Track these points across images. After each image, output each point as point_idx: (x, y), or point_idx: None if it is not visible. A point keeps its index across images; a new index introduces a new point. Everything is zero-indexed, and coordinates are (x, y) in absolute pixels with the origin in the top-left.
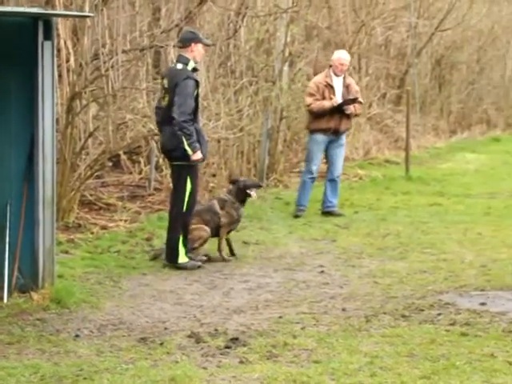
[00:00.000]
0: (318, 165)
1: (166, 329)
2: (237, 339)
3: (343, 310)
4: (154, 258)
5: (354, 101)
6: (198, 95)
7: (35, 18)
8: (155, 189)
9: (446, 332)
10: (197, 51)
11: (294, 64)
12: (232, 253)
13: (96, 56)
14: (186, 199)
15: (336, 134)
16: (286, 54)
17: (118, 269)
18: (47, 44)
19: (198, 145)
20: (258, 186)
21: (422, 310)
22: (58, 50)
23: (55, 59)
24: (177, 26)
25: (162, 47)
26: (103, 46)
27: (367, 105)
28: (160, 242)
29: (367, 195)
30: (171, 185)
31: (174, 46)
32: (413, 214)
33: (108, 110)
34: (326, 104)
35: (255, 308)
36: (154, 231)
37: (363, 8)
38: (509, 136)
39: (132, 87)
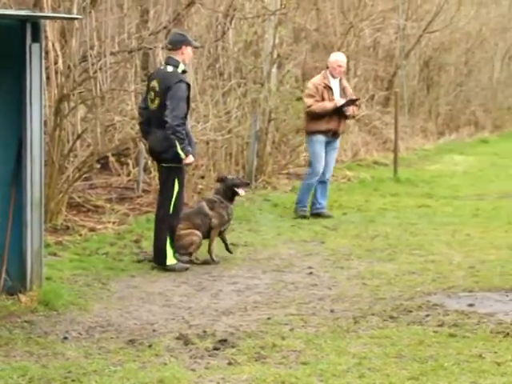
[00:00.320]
0: (323, 165)
1: (154, 331)
2: (225, 341)
3: (332, 311)
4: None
5: (355, 102)
6: (189, 98)
7: (23, 20)
8: (144, 191)
9: (434, 333)
10: (186, 54)
11: (283, 66)
12: (229, 251)
13: (84, 58)
14: (173, 201)
15: (334, 135)
16: (275, 55)
17: (106, 271)
18: (35, 46)
19: (190, 148)
20: (246, 185)
21: (411, 312)
22: (46, 52)
23: (43, 61)
24: (165, 28)
25: (150, 49)
26: (91, 48)
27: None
28: (148, 243)
29: (356, 197)
30: (159, 187)
31: (162, 48)
32: (401, 216)
33: (96, 112)
34: (328, 105)
35: (244, 309)
36: (142, 233)
37: (351, 10)
38: (497, 138)
39: (120, 89)
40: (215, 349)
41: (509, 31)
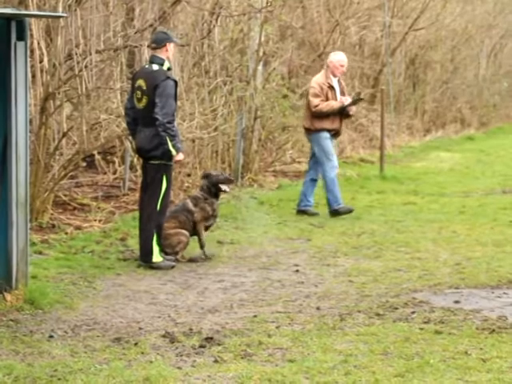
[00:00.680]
0: (336, 157)
1: (140, 329)
2: (211, 338)
3: (318, 308)
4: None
5: (360, 101)
6: (176, 95)
7: (8, 18)
8: (130, 189)
9: (420, 330)
10: (170, 51)
11: (269, 64)
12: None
13: (69, 56)
14: (161, 198)
15: (335, 135)
16: (261, 53)
17: (92, 269)
18: (20, 44)
19: (180, 145)
20: (230, 181)
21: (397, 309)
22: (32, 51)
23: (28, 60)
24: (151, 26)
25: (136, 47)
26: (77, 46)
27: None
28: (134, 241)
29: (342, 194)
30: (142, 185)
31: (148, 46)
32: (387, 213)
33: (82, 110)
34: (335, 105)
35: (230, 307)
36: (128, 231)
37: (337, 8)
38: (483, 135)
39: (106, 87)
40: (201, 347)
41: (494, 28)
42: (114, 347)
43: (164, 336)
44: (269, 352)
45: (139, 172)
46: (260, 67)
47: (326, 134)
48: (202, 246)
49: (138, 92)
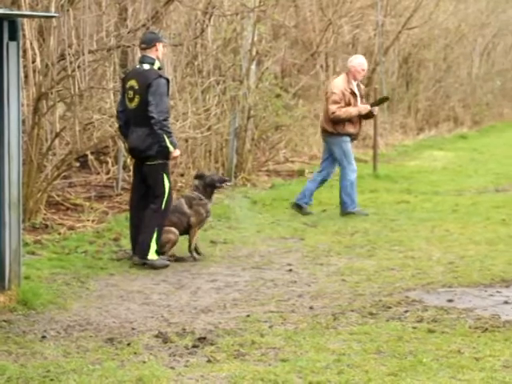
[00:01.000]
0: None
1: (133, 329)
2: (204, 338)
3: (311, 308)
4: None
5: (386, 100)
6: (168, 93)
7: (0, 18)
8: (123, 189)
9: (413, 329)
10: (160, 51)
11: (262, 63)
12: (190, 252)
13: (62, 56)
14: (166, 197)
15: (354, 139)
16: (254, 53)
17: (85, 269)
18: (12, 45)
19: (176, 142)
20: (225, 181)
21: (390, 308)
22: (24, 51)
23: (21, 60)
24: (143, 25)
25: (128, 47)
26: (69, 46)
27: None
28: (128, 241)
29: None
30: (133, 185)
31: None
32: (380, 212)
33: (75, 110)
34: (353, 112)
35: (223, 307)
36: (121, 231)
37: (330, 7)
38: (476, 133)
39: (99, 87)
40: (194, 346)
41: (487, 27)
42: (107, 347)
43: (157, 336)
44: (262, 351)
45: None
46: (253, 66)
47: (347, 138)
48: (190, 250)
49: (130, 92)
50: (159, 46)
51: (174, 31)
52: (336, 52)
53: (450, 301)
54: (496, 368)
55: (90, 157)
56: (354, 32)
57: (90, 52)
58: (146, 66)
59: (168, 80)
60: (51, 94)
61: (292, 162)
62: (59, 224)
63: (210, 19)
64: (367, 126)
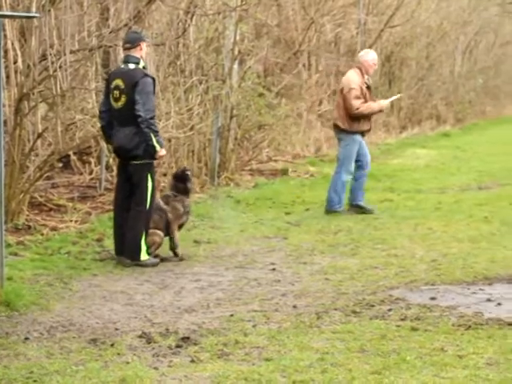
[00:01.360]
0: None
1: (116, 329)
2: (188, 338)
3: (294, 307)
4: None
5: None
6: (154, 92)
7: None
8: (106, 189)
9: (397, 327)
10: (144, 50)
11: (244, 62)
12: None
13: (44, 57)
14: (149, 196)
15: (366, 134)
16: (236, 52)
17: (68, 270)
18: None
19: (163, 141)
20: (185, 170)
21: (373, 306)
22: (5, 52)
23: (2, 60)
24: (126, 25)
25: (110, 47)
26: (51, 46)
27: (317, 102)
28: (111, 242)
29: (319, 192)
30: (117, 184)
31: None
32: None
33: (57, 110)
34: (376, 107)
35: (206, 307)
36: (104, 232)
37: (312, 5)
38: (458, 131)
39: (81, 87)
40: (178, 346)
41: (469, 25)
42: (90, 348)
43: (140, 336)
44: (245, 351)
45: (115, 172)
46: (235, 66)
47: (359, 137)
48: (174, 247)
49: (116, 92)
50: (143, 45)
51: (156, 31)
52: (318, 51)
53: (433, 299)
54: (479, 365)
55: (73, 157)
56: (337, 30)
57: (71, 52)
58: (132, 66)
59: (154, 79)
60: (33, 94)
61: (275, 161)
62: (42, 225)
63: (192, 19)
64: None
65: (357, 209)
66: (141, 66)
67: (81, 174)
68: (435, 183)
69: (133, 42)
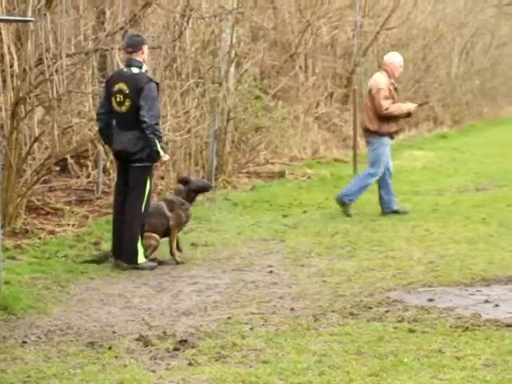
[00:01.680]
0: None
1: (114, 333)
2: (185, 341)
3: (292, 309)
4: (99, 260)
5: (426, 103)
6: (158, 98)
7: None
8: (103, 192)
9: (394, 329)
10: (145, 53)
11: (241, 65)
12: (180, 250)
13: (40, 60)
14: (145, 200)
15: (395, 136)
16: (232, 55)
17: (65, 274)
18: None
19: (165, 146)
20: (210, 188)
21: (370, 308)
22: (2, 56)
23: None
24: (121, 28)
25: (107, 50)
26: (47, 50)
27: (314, 104)
28: (108, 246)
29: (316, 194)
30: (117, 188)
31: (119, 49)
32: (361, 213)
33: (53, 114)
34: (405, 109)
35: (204, 309)
36: (101, 235)
37: (308, 8)
38: (455, 133)
39: (78, 91)
40: (175, 349)
41: (465, 26)
42: (88, 351)
43: (138, 339)
44: (243, 354)
45: (112, 175)
46: (232, 69)
47: (388, 140)
48: (172, 253)
49: (119, 96)
50: (145, 48)
51: (152, 34)
52: (315, 53)
53: (431, 300)
54: (477, 367)
55: (70, 161)
56: (333, 33)
57: (67, 56)
58: (135, 70)
59: (158, 84)
60: (29, 98)
61: (272, 163)
62: (39, 228)
63: (188, 22)
64: (347, 127)
65: (394, 213)
66: (144, 69)
67: (78, 177)
68: (432, 185)
69: (135, 45)
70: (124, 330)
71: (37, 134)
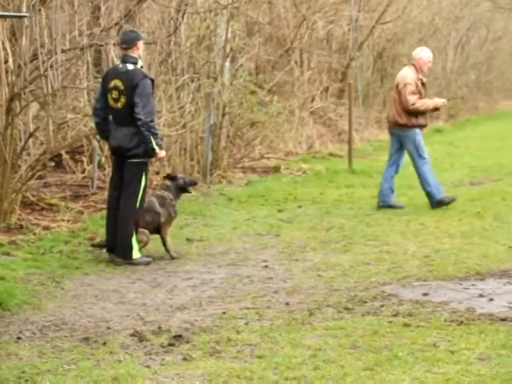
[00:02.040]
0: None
1: (108, 328)
2: (180, 336)
3: (287, 304)
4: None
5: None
6: (153, 94)
7: None
8: (98, 188)
9: (389, 323)
10: (141, 49)
11: (236, 60)
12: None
13: (35, 56)
14: (140, 195)
15: (423, 129)
16: (227, 50)
17: (60, 269)
18: None
19: (162, 143)
20: (195, 184)
21: (365, 302)
22: None
23: None
24: (116, 24)
25: (102, 46)
26: (42, 45)
27: (310, 99)
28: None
29: (311, 189)
30: (112, 183)
31: (114, 45)
32: (356, 207)
33: (48, 109)
34: (431, 104)
35: (199, 304)
36: (96, 231)
37: (304, 2)
38: (451, 127)
39: (73, 86)
40: (170, 345)
41: (461, 20)
42: (83, 347)
43: (133, 335)
44: (237, 348)
45: (107, 171)
46: (227, 63)
47: (419, 130)
48: (167, 250)
49: (115, 92)
50: (140, 44)
51: (147, 29)
52: (310, 48)
53: (426, 294)
54: (471, 361)
55: (65, 156)
56: (328, 27)
57: (62, 51)
58: (130, 66)
59: (153, 80)
60: (24, 93)
61: (267, 158)
62: (34, 224)
63: (183, 17)
64: (342, 121)
65: (390, 208)
66: (139, 65)
67: (73, 172)
68: None
69: (130, 42)
70: (119, 326)
71: (32, 130)
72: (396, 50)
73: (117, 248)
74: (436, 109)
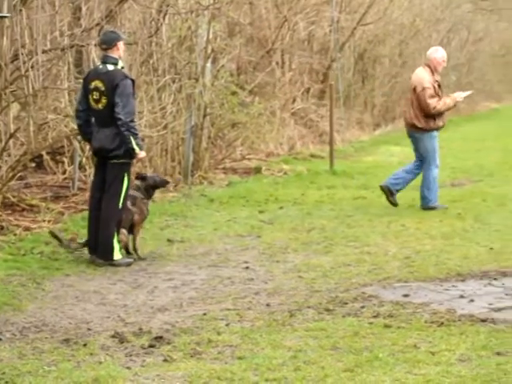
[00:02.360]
0: None
1: (89, 329)
2: (161, 338)
3: (267, 305)
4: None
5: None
6: (134, 94)
7: None
8: (79, 189)
9: (370, 324)
10: (121, 49)
11: (217, 61)
12: (136, 249)
13: (16, 56)
14: (122, 196)
15: (440, 129)
16: (209, 50)
17: (41, 270)
18: None
19: (142, 143)
20: (167, 183)
21: (346, 303)
22: None
23: None
24: (98, 24)
25: (83, 46)
26: (23, 46)
27: (291, 100)
28: None
29: (292, 190)
30: (94, 184)
31: (95, 45)
32: (337, 208)
33: (29, 110)
34: (450, 103)
35: (179, 306)
36: (77, 231)
37: (285, 3)
38: None
39: (53, 87)
40: (151, 346)
41: (442, 22)
42: (63, 348)
43: (113, 336)
44: (218, 350)
45: (88, 171)
46: (208, 64)
47: (436, 133)
48: (135, 249)
49: (95, 93)
50: (120, 44)
51: (128, 30)
52: (292, 49)
53: (406, 296)
54: (452, 362)
55: (46, 157)
56: (310, 28)
57: (43, 52)
58: (110, 67)
59: (133, 80)
60: (5, 94)
61: (249, 159)
62: (15, 225)
63: (164, 17)
64: (323, 123)
65: (387, 192)
66: (119, 66)
67: (54, 173)
68: None
69: (110, 42)
70: (99, 327)
71: (12, 130)
72: (377, 52)
73: (98, 249)
74: (455, 105)
